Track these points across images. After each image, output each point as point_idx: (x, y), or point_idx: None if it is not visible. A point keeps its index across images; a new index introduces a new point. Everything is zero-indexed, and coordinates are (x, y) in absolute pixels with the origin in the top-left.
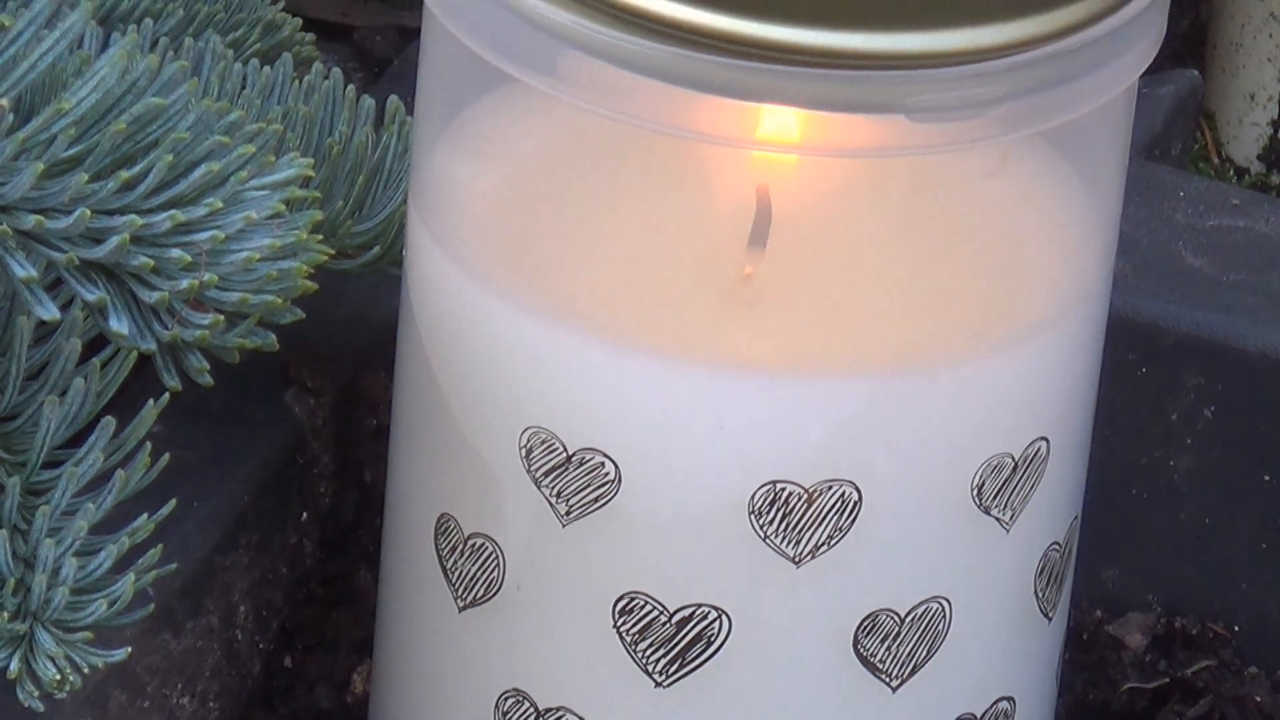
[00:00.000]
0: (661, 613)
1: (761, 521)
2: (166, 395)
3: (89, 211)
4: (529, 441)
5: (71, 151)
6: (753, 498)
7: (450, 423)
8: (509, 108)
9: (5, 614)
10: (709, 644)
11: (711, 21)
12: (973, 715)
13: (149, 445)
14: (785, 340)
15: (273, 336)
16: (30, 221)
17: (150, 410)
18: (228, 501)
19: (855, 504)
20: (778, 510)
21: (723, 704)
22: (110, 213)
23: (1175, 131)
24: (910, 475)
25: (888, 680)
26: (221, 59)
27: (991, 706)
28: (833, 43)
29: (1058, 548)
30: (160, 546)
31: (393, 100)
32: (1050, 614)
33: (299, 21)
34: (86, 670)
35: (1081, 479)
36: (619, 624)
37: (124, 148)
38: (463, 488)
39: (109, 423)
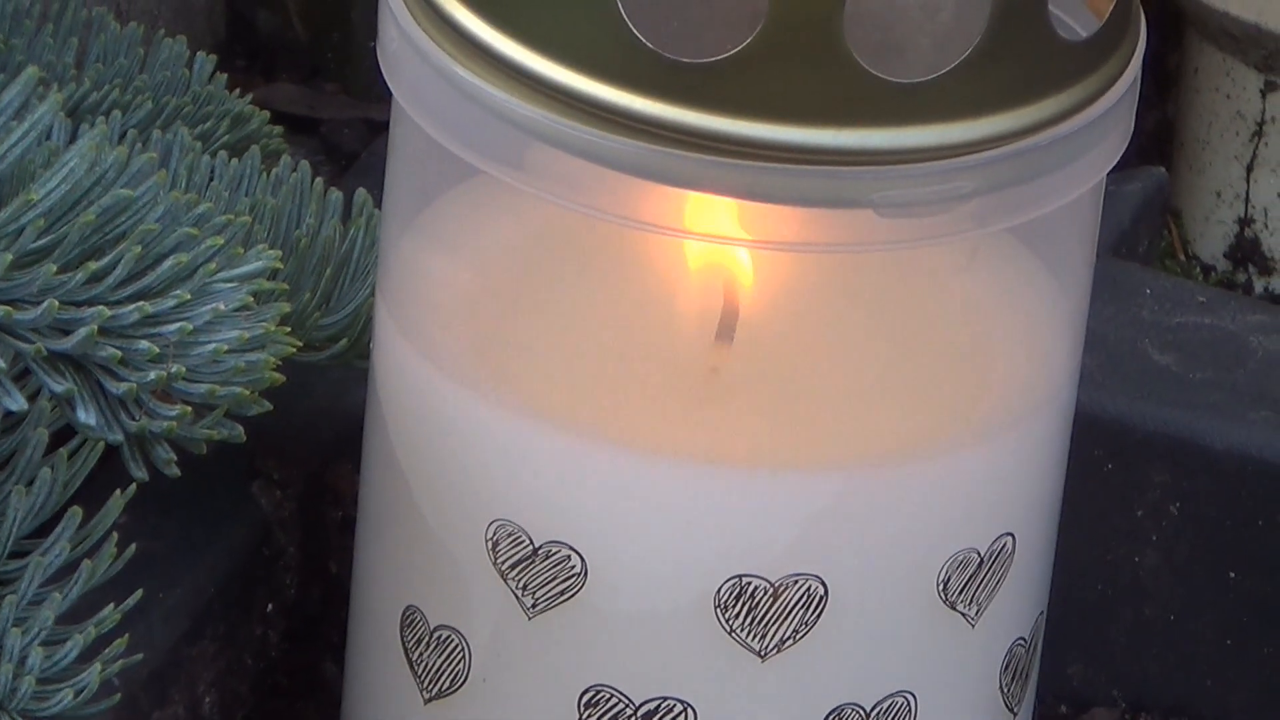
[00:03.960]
0: (627, 705)
1: (727, 615)
2: (133, 486)
3: (57, 303)
4: (495, 534)
5: (40, 243)
6: (719, 591)
7: (416, 515)
8: (476, 200)
9: None
10: None
11: (680, 117)
12: None
13: (115, 536)
14: (752, 435)
15: (240, 428)
16: None
17: (117, 501)
18: (194, 592)
19: (821, 598)
20: (743, 604)
21: None
22: (78, 304)
23: (1142, 229)
24: (876, 570)
25: None
26: (190, 151)
27: None
28: (802, 139)
29: (1023, 643)
30: (126, 637)
31: (360, 193)
32: (1015, 709)
33: (267, 115)
34: None
35: (1047, 575)
36: (584, 717)
37: (92, 239)
38: (429, 580)
39: (76, 513)
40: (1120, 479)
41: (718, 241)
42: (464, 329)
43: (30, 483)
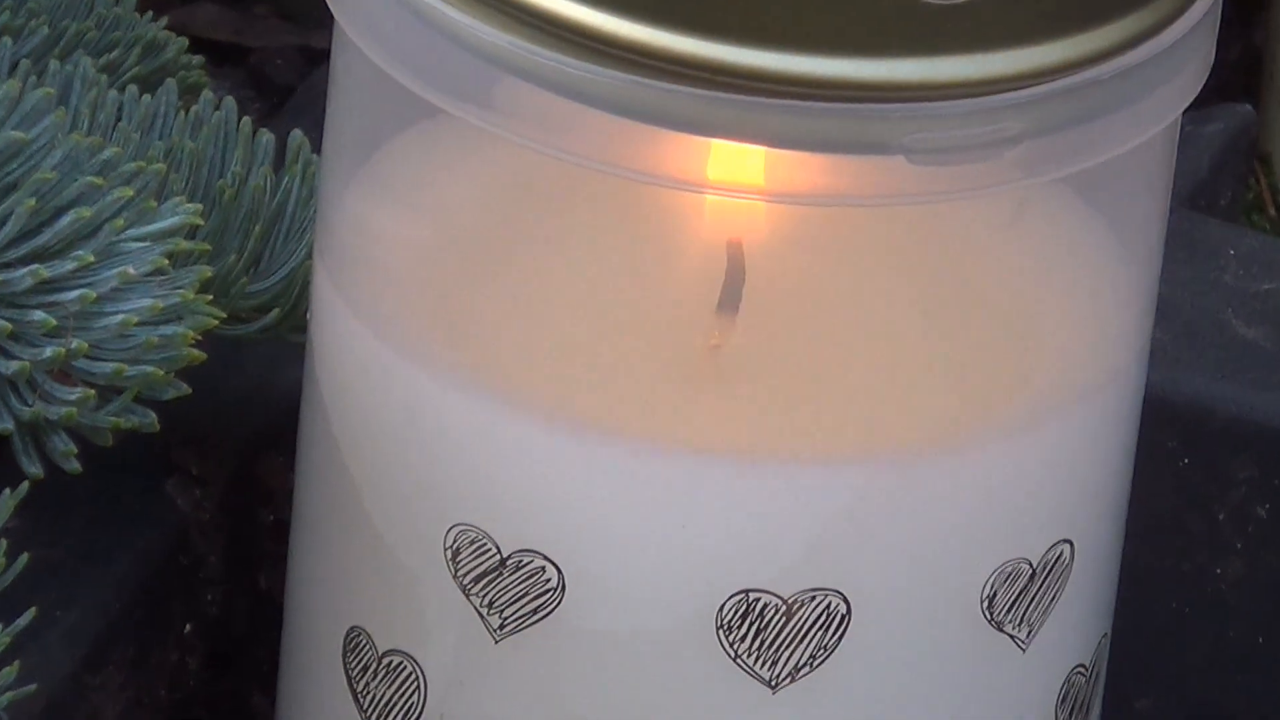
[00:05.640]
0: None
1: (732, 638)
2: (26, 484)
3: None
4: (456, 542)
5: None
6: (721, 610)
7: (363, 519)
8: (436, 145)
9: None
10: None
11: (674, 45)
12: None
13: (4, 542)
14: (760, 422)
15: (153, 415)
16: None
17: (7, 501)
18: (97, 610)
19: (843, 618)
20: (751, 625)
21: None
22: None
23: (1224, 177)
24: (908, 584)
25: None
26: (94, 85)
27: None
28: (818, 70)
29: (1083, 671)
30: (17, 664)
31: (296, 135)
32: None
33: (185, 41)
34: None
35: (1112, 589)
36: None
37: None
38: (377, 596)
39: None
40: (1198, 475)
41: (719, 193)
42: (421, 298)
43: None
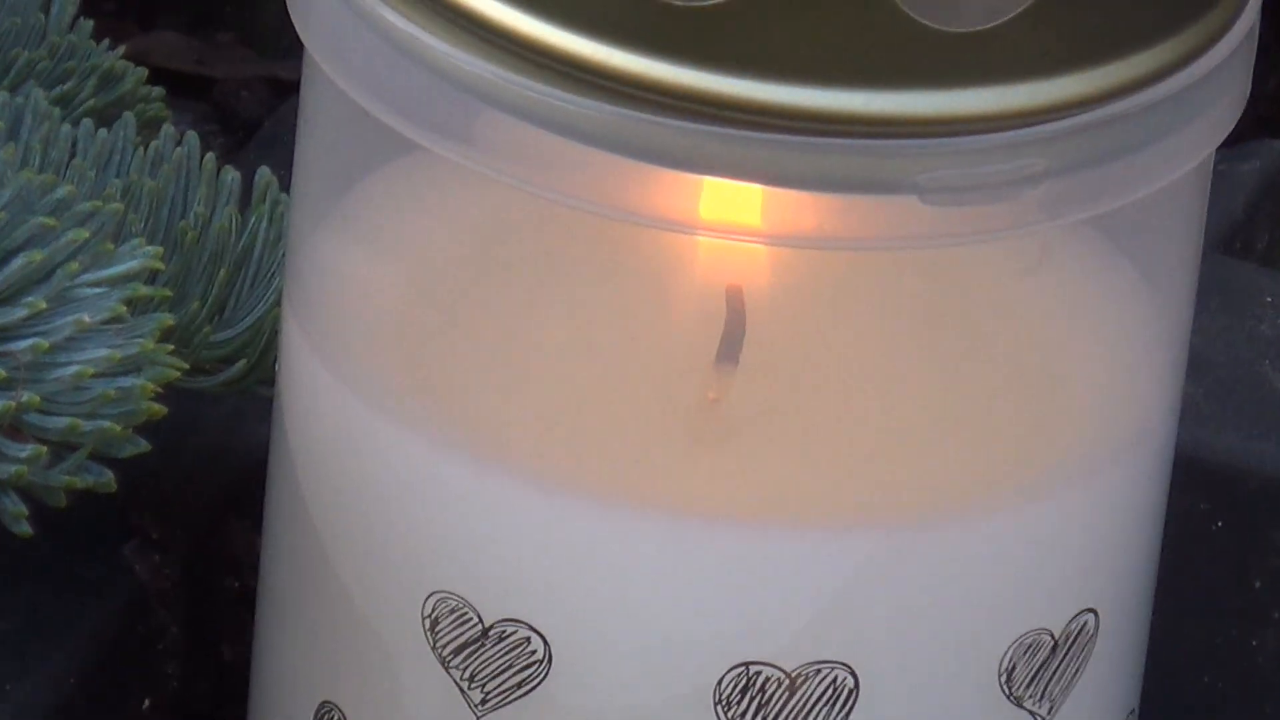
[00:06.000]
0: None
1: (731, 714)
2: None
3: None
4: (435, 610)
5: None
6: (720, 684)
7: (335, 586)
8: (413, 184)
9: None
10: None
11: (671, 77)
12: None
13: None
14: (761, 483)
15: (109, 474)
16: None
17: None
18: (50, 684)
19: (850, 692)
20: (752, 700)
21: None
22: None
23: (1261, 219)
24: (920, 657)
25: None
26: (46, 119)
27: None
28: (824, 103)
29: None
30: None
31: (263, 173)
32: None
33: (144, 72)
34: None
35: (1139, 663)
36: None
37: None
38: (349, 669)
39: None
40: (1233, 540)
41: (717, 235)
42: (395, 347)
43: None
